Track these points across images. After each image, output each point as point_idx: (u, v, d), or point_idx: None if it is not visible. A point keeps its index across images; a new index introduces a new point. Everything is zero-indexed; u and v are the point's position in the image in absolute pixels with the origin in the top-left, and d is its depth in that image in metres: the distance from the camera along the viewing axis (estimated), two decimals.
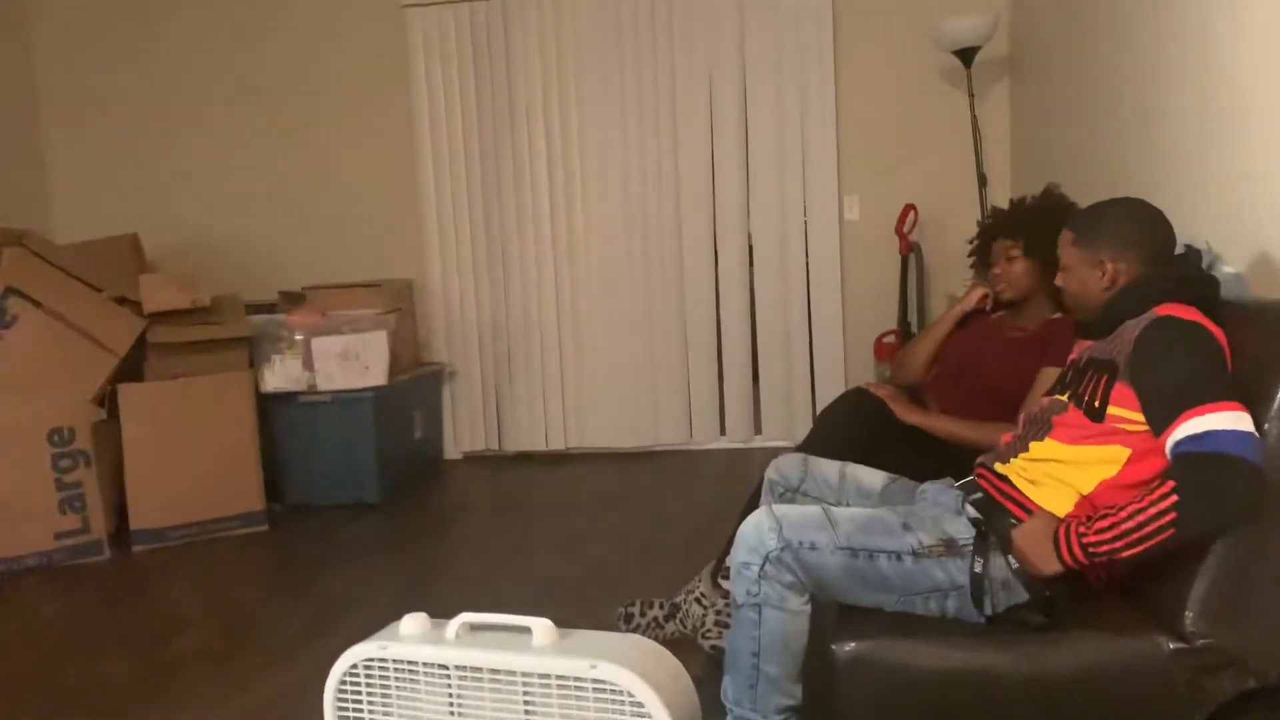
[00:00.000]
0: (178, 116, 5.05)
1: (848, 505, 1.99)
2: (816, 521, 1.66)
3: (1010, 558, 1.62)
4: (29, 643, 2.82)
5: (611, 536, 3.53)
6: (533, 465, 4.80)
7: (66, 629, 2.92)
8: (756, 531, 1.65)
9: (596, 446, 4.89)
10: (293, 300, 4.45)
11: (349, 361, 4.15)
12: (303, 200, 5.02)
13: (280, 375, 4.09)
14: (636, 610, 2.53)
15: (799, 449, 2.35)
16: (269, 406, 4.05)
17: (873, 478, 2.08)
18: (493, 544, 3.53)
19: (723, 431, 4.87)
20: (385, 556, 3.46)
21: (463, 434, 4.97)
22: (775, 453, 2.28)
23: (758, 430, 4.85)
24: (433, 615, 1.48)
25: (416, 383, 4.61)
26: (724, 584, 2.35)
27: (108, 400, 3.64)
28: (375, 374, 4.16)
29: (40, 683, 2.54)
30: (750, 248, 4.76)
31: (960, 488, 1.83)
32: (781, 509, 1.69)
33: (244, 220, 5.05)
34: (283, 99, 4.99)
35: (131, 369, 3.74)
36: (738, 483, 4.23)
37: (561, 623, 1.39)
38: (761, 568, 1.63)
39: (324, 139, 4.98)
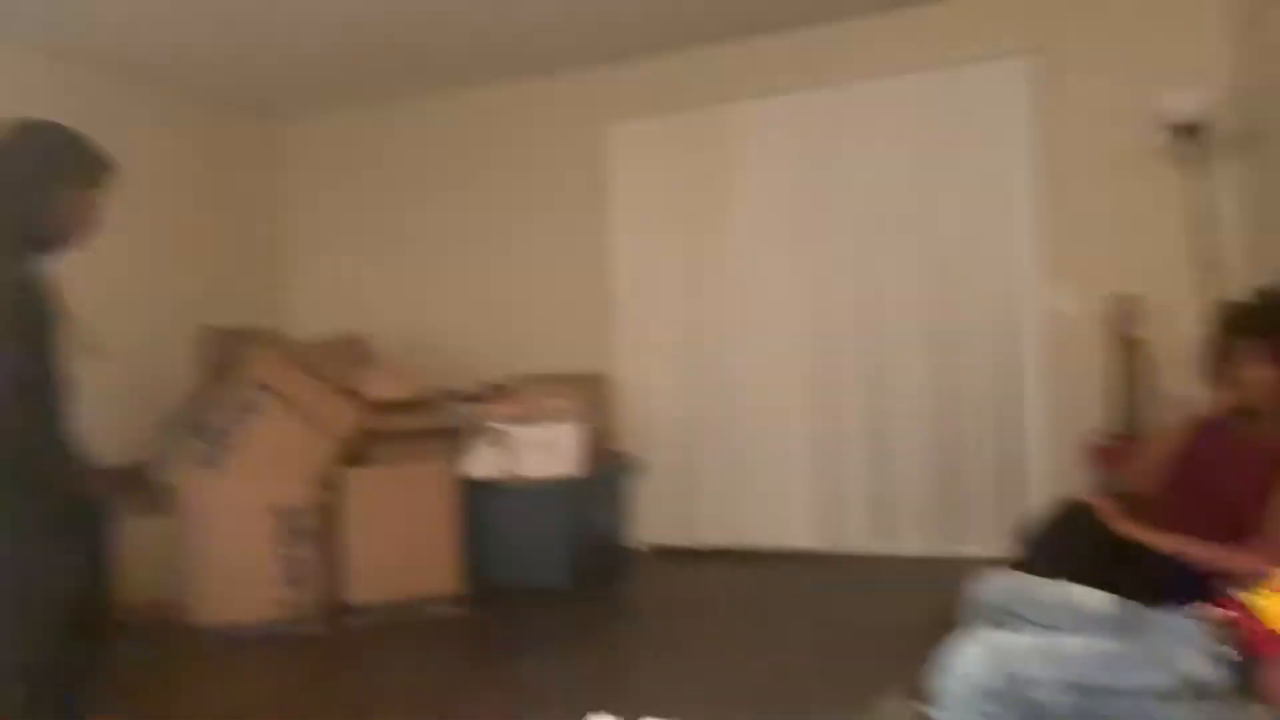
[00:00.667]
0: (397, 226, 5.55)
1: (1069, 633, 1.87)
2: (1039, 653, 1.57)
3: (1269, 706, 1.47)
4: (251, 710, 3.02)
5: (798, 641, 3.44)
6: (719, 561, 4.77)
7: (282, 698, 3.11)
8: (971, 661, 1.57)
9: (784, 546, 4.81)
10: (495, 391, 4.68)
11: (545, 451, 4.30)
12: (505, 298, 5.33)
13: (483, 463, 4.28)
14: None
15: (1010, 566, 2.23)
16: (471, 492, 4.24)
17: (1096, 601, 1.95)
18: (677, 641, 3.51)
19: (921, 537, 4.67)
20: (575, 647, 3.51)
21: (650, 525, 5.02)
22: (970, 563, 2.18)
23: (950, 538, 4.63)
24: (621, 714, 1.48)
25: (607, 473, 4.72)
26: (922, 709, 2.24)
27: (330, 482, 3.93)
28: (568, 463, 4.29)
29: None
30: (947, 343, 4.63)
31: (1201, 618, 1.68)
32: (998, 637, 1.60)
33: (452, 317, 5.41)
34: (489, 208, 5.37)
35: (353, 454, 4.03)
36: (930, 592, 4.05)
37: None
38: (977, 703, 1.54)
39: (526, 242, 5.30)
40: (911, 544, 4.67)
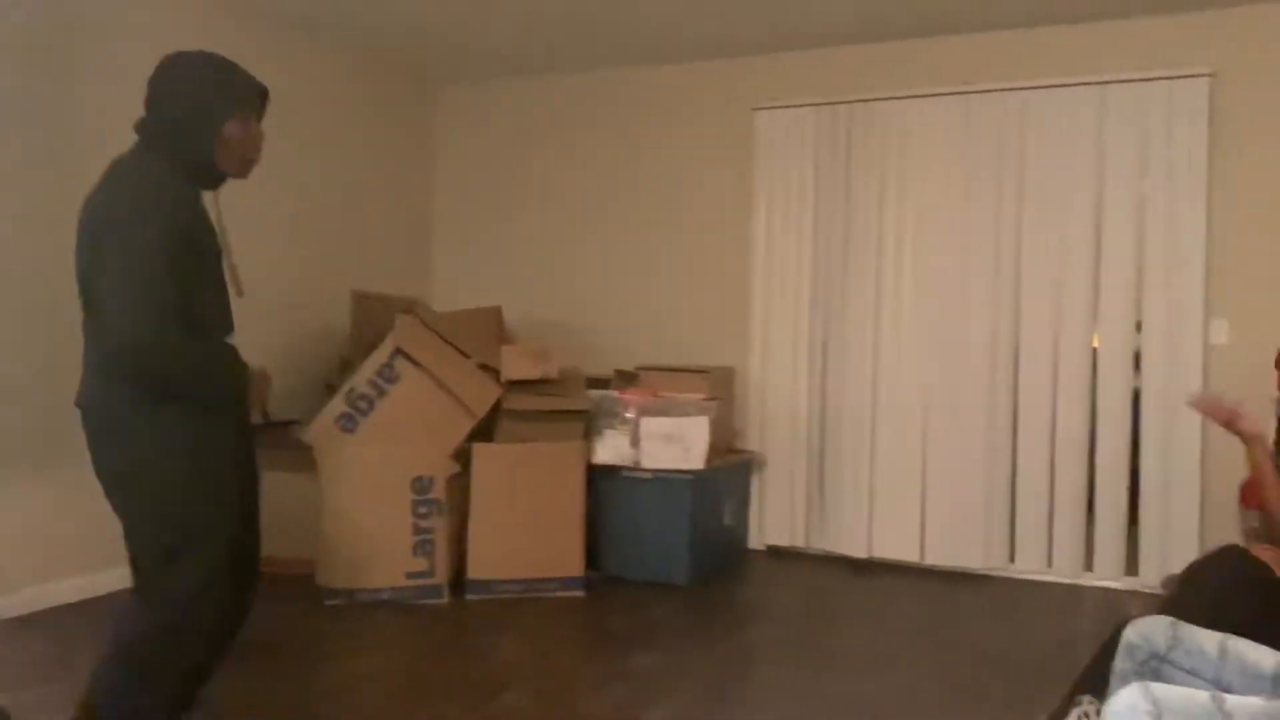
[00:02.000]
0: (543, 207, 5.59)
1: (1239, 692, 1.74)
2: (1205, 711, 1.46)
3: None
4: (376, 678, 3.12)
5: (923, 661, 3.33)
6: (838, 568, 4.67)
7: (408, 668, 3.21)
8: (1130, 714, 1.48)
9: (907, 559, 4.68)
10: (627, 379, 4.71)
11: (671, 443, 4.29)
12: (643, 286, 5.33)
13: (609, 449, 4.31)
14: None
15: (1164, 610, 2.09)
16: (596, 477, 4.27)
17: (1263, 657, 1.80)
18: (796, 649, 3.46)
19: (1049, 563, 4.48)
20: (691, 644, 3.49)
21: (769, 526, 4.96)
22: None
23: (1088, 567, 4.41)
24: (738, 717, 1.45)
25: (730, 470, 4.68)
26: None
27: (462, 457, 4.02)
28: (694, 457, 4.27)
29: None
30: (1094, 368, 4.41)
31: None
32: (1159, 689, 1.50)
33: (591, 300, 5.45)
34: (633, 193, 5.37)
35: (484, 429, 4.12)
36: (1065, 621, 3.88)
37: None
38: None
39: (668, 229, 5.29)
40: (1039, 567, 4.48)
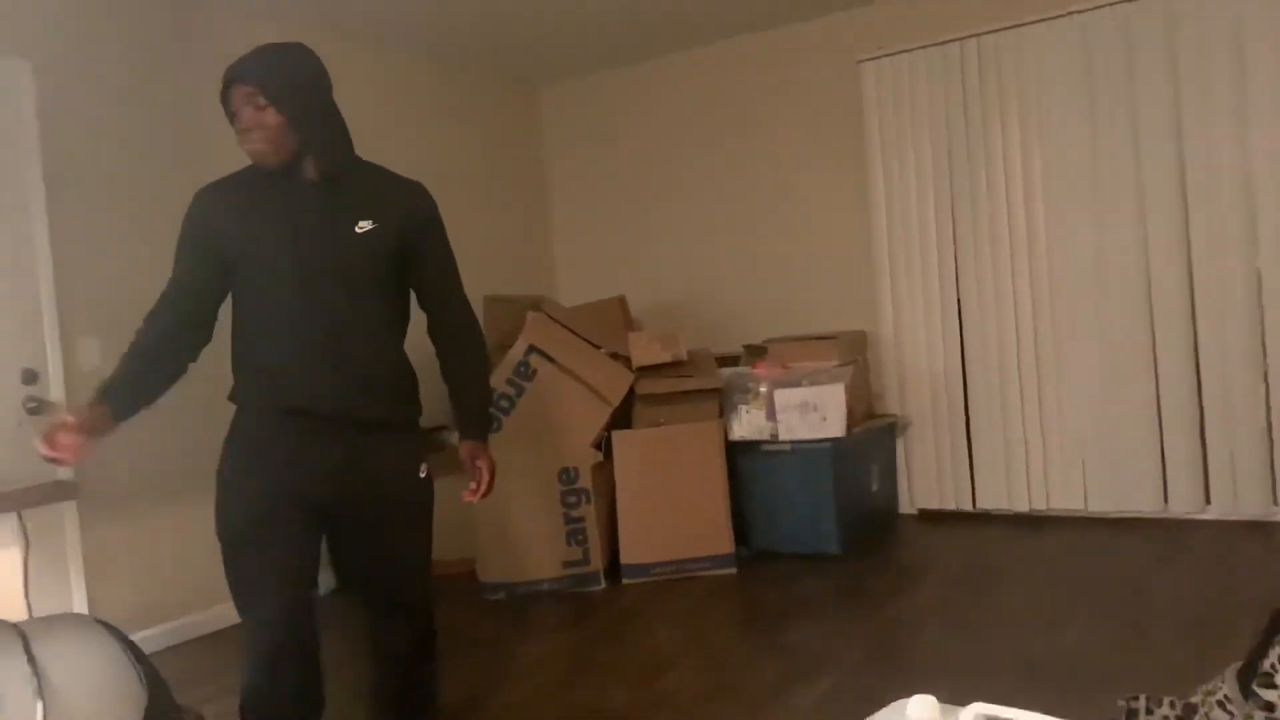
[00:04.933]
0: (655, 191, 5.61)
1: None
2: None
3: None
4: (543, 666, 3.23)
5: (1092, 617, 3.21)
6: (995, 526, 4.54)
7: (573, 653, 3.31)
8: None
9: (1065, 509, 4.51)
10: (756, 353, 4.69)
11: (808, 413, 4.26)
12: (763, 258, 5.29)
13: (746, 425, 4.31)
14: (1141, 705, 2.25)
15: None
16: (735, 454, 4.28)
17: None
18: (958, 613, 3.38)
19: (1208, 501, 4.23)
20: (848, 614, 3.47)
21: (918, 489, 4.86)
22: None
23: (1246, 503, 4.13)
24: (900, 688, 1.43)
25: (872, 435, 4.61)
26: (1262, 693, 2.02)
27: (603, 445, 4.10)
28: (833, 425, 4.22)
29: (556, 702, 2.89)
30: (1260, 297, 4.12)
31: None
32: None
33: (712, 278, 5.45)
34: (744, 166, 5.32)
35: (621, 417, 4.18)
36: (1236, 563, 3.66)
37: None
38: None
39: (782, 198, 5.22)
40: (1206, 509, 4.24)
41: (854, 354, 4.67)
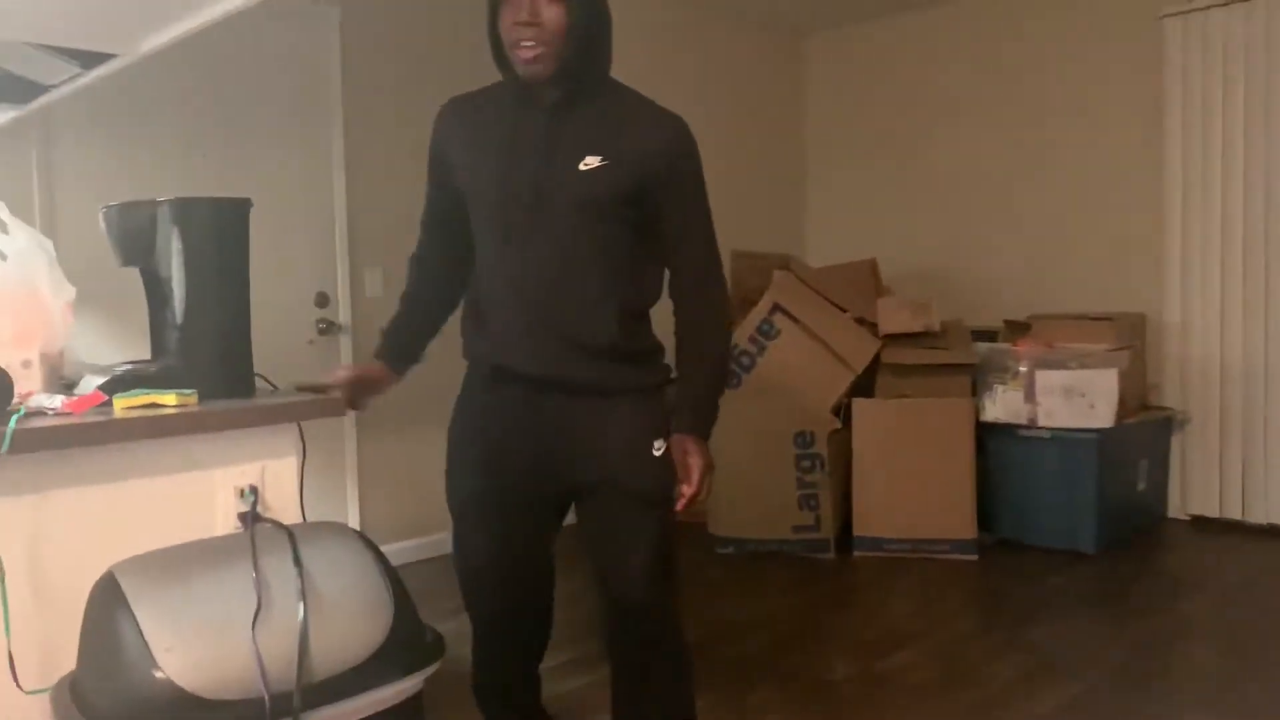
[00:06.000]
0: (915, 150, 5.30)
1: None
2: None
3: None
4: (765, 626, 3.20)
5: None
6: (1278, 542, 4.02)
7: (795, 619, 3.25)
8: None
9: None
10: (1018, 329, 4.36)
11: (1073, 398, 3.92)
12: (1032, 227, 4.89)
13: (1000, 406, 4.03)
14: None
15: None
16: (985, 436, 4.02)
17: None
18: (1232, 635, 3.01)
19: None
20: (1101, 620, 3.19)
21: (1192, 493, 4.37)
22: None
23: None
24: (1158, 709, 1.25)
25: (1143, 428, 4.19)
26: None
27: (843, 412, 3.97)
28: (1101, 414, 3.87)
29: (770, 667, 2.84)
30: None
31: None
32: None
33: (972, 247, 5.11)
34: (1021, 127, 4.91)
35: (863, 385, 4.02)
36: None
37: None
38: None
39: (1060, 163, 4.78)
40: None
41: (1130, 339, 4.24)
